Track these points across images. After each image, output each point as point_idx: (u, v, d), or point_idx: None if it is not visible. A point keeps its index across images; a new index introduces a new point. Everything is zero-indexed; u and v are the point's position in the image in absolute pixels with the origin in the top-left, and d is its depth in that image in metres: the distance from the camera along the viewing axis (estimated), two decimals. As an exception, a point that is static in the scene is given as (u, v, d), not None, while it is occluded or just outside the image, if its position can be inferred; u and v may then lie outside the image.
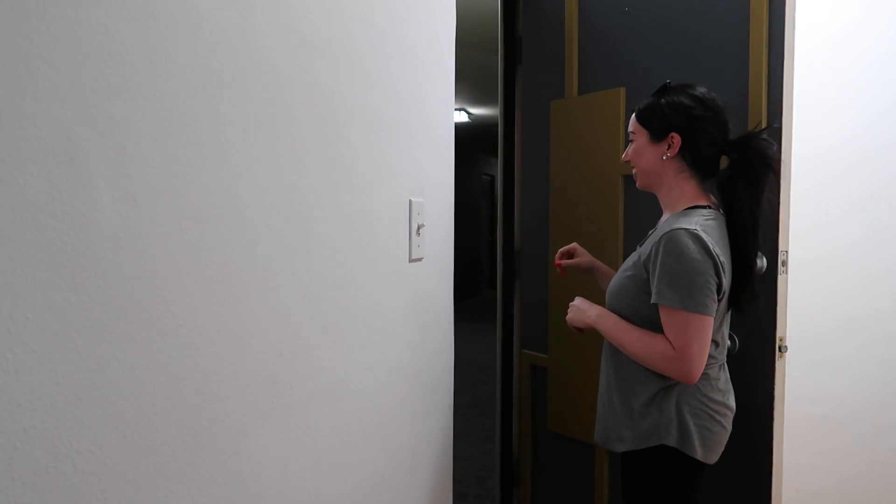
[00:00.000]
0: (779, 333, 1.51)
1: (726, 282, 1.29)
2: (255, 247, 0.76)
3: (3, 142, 0.46)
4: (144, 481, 0.60)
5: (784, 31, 1.49)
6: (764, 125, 1.51)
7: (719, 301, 1.29)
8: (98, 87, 0.54)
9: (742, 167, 1.32)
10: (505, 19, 2.28)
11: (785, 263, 1.52)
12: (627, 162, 1.45)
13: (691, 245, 1.23)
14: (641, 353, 1.31)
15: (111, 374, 0.56)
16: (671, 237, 1.24)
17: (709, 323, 1.25)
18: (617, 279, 1.41)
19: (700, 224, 1.26)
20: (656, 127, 1.37)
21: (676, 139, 1.35)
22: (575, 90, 2.01)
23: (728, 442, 1.50)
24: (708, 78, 1.65)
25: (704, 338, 1.25)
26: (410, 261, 1.25)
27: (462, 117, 7.03)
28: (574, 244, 1.66)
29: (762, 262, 1.51)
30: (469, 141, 8.91)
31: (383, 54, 1.10)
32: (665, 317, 1.26)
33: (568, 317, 1.49)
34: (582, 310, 1.45)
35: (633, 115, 1.44)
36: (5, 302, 0.46)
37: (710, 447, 1.32)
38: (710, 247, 1.23)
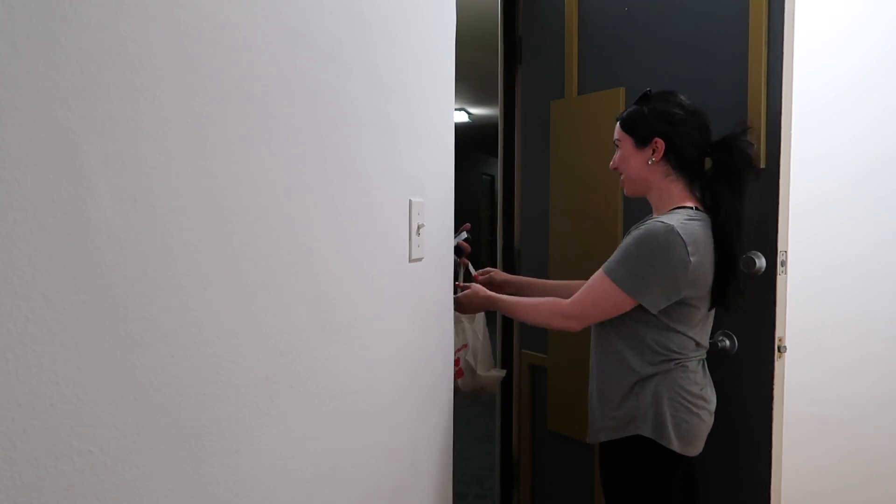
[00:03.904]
0: (778, 334, 1.51)
1: (703, 280, 1.31)
2: (255, 247, 0.76)
3: (3, 142, 0.46)
4: (144, 481, 0.60)
5: (783, 31, 1.49)
6: (763, 126, 1.52)
7: (695, 301, 1.32)
8: (98, 87, 0.54)
9: (725, 167, 1.37)
10: (505, 19, 2.28)
11: (784, 264, 1.52)
12: (615, 170, 1.48)
13: (660, 239, 1.27)
14: (532, 310, 1.49)
15: (111, 374, 0.56)
16: (647, 227, 1.30)
17: (624, 303, 1.33)
18: None
19: (681, 222, 1.29)
20: (640, 133, 1.42)
21: (660, 143, 1.39)
22: (575, 90, 2.01)
23: (727, 442, 1.49)
24: (707, 78, 1.65)
25: (609, 308, 1.35)
26: (410, 261, 1.25)
27: (462, 117, 7.02)
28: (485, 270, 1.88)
29: (761, 262, 1.51)
30: (469, 141, 8.90)
31: (383, 54, 1.10)
32: (596, 280, 1.37)
33: (458, 303, 1.61)
34: (475, 301, 1.60)
35: (618, 123, 1.48)
36: (5, 302, 0.46)
37: (687, 439, 1.34)
38: (682, 246, 1.26)
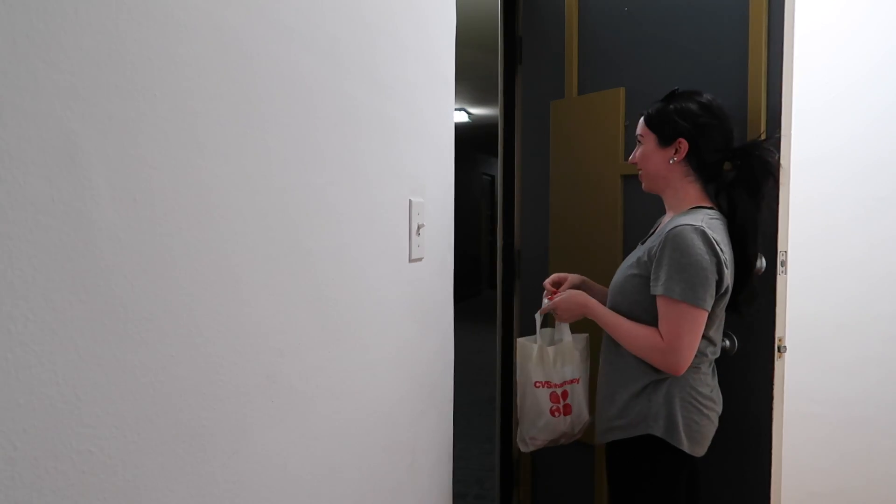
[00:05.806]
0: (778, 334, 1.51)
1: (729, 278, 1.32)
2: (255, 247, 0.76)
3: (3, 142, 0.46)
4: (144, 481, 0.60)
5: (783, 32, 1.49)
6: (763, 126, 1.52)
7: (720, 298, 1.31)
8: (98, 87, 0.54)
9: (745, 173, 1.37)
10: (505, 19, 2.28)
11: (784, 264, 1.52)
12: (634, 164, 1.47)
13: (696, 241, 1.26)
14: (632, 342, 1.36)
15: (111, 374, 0.56)
16: (677, 233, 1.28)
17: (703, 318, 1.29)
18: (621, 277, 1.43)
19: (705, 221, 1.30)
20: (664, 132, 1.40)
21: (684, 144, 1.38)
22: (575, 90, 2.01)
23: (727, 442, 1.49)
24: (707, 78, 1.65)
25: (696, 332, 1.29)
26: (410, 261, 1.25)
27: (462, 117, 7.02)
28: (556, 275, 1.65)
29: (762, 263, 1.51)
30: (469, 141, 8.90)
31: (383, 54, 1.10)
32: (663, 307, 1.30)
33: (559, 308, 1.49)
34: (575, 302, 1.47)
35: (642, 118, 1.47)
36: (5, 302, 0.46)
37: (696, 440, 1.35)
38: (715, 243, 1.27)
